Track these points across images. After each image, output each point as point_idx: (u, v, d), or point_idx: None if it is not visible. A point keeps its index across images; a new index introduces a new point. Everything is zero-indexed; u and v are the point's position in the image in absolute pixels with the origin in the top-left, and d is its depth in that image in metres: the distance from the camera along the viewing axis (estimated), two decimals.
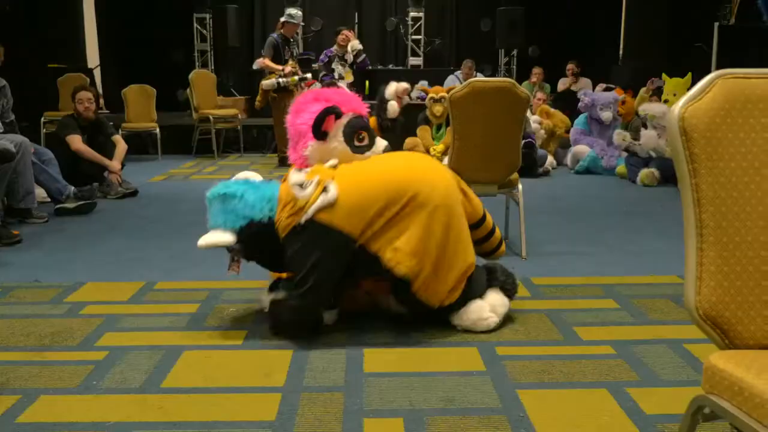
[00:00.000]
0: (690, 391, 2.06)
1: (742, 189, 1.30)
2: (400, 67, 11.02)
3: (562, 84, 9.46)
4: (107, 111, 9.65)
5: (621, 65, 10.26)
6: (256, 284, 3.08)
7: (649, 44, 9.67)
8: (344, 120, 2.50)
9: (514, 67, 11.06)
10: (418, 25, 11.04)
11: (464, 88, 3.38)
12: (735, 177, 1.30)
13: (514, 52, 10.95)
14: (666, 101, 6.42)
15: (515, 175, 3.64)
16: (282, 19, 7.43)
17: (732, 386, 1.17)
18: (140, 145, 8.36)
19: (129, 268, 3.51)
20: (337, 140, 2.50)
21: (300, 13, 7.48)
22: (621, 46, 10.67)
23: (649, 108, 6.13)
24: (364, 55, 8.15)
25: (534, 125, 6.97)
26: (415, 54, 11.09)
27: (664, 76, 6.81)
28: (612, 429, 1.87)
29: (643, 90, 6.54)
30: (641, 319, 2.72)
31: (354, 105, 2.58)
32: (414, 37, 11.07)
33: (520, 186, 3.67)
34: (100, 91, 9.80)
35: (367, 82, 9.38)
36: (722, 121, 1.32)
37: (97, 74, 10.49)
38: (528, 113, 7.22)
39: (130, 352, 2.41)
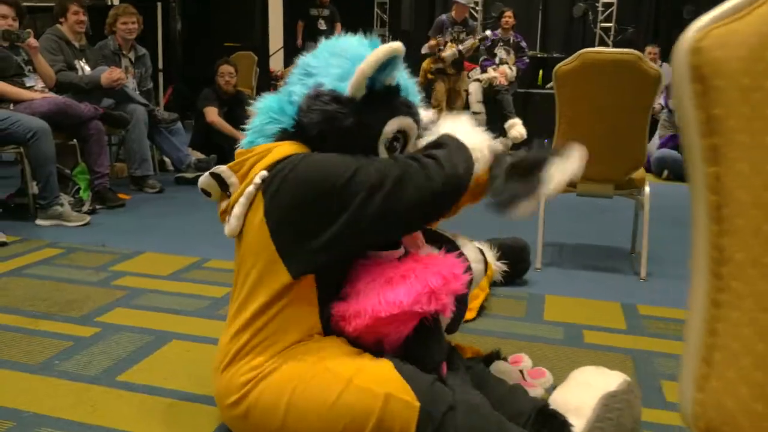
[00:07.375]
0: None
1: None
2: None
3: None
4: None
5: None
6: None
7: None
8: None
9: None
10: (609, 11, 9.99)
11: (573, 60, 2.73)
12: None
13: None
14: None
15: (641, 174, 2.90)
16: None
17: None
18: None
19: (198, 242, 3.32)
20: None
21: None
22: None
23: None
24: (527, 59, 7.67)
25: None
26: (603, 42, 10.05)
27: None
28: None
29: None
30: None
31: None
32: (603, 24, 10.05)
33: (647, 188, 2.90)
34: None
35: (540, 71, 8.78)
36: None
37: (280, 57, 10.82)
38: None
39: (119, 333, 2.16)
